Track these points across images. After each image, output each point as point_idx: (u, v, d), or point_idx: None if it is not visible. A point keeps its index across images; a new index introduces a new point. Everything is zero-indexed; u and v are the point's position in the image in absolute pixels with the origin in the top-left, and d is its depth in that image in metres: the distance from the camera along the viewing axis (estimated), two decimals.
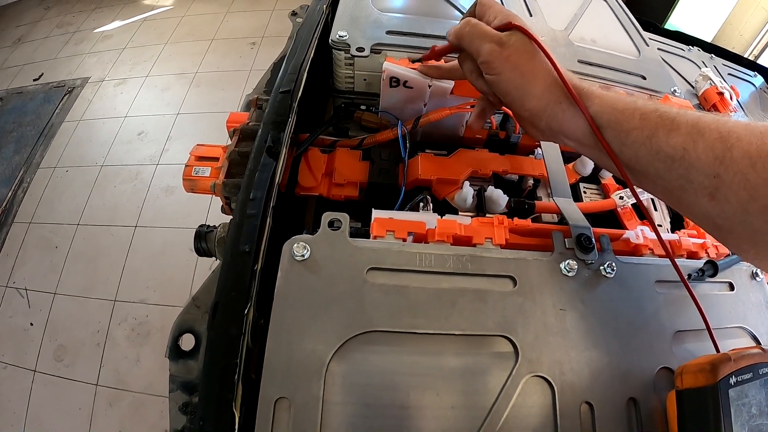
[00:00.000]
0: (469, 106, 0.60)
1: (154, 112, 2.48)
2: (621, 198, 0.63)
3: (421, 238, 0.45)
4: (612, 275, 0.47)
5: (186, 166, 0.66)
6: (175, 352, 0.51)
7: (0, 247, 2.08)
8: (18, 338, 1.82)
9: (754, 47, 2.57)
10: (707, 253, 0.57)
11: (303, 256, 0.40)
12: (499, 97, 0.46)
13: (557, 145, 0.58)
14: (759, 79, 1.12)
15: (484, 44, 0.43)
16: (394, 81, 0.58)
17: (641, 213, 0.64)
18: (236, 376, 0.37)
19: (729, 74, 1.09)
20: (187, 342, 0.51)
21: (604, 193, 0.67)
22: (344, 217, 0.42)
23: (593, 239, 0.48)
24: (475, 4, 0.48)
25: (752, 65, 1.17)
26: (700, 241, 0.58)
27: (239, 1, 3.19)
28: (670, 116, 0.37)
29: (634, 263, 0.49)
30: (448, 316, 0.39)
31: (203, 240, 0.58)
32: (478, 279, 0.41)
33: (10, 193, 2.26)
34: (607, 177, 0.67)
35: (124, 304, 1.83)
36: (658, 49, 0.95)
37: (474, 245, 0.45)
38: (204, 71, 2.64)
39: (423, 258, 0.41)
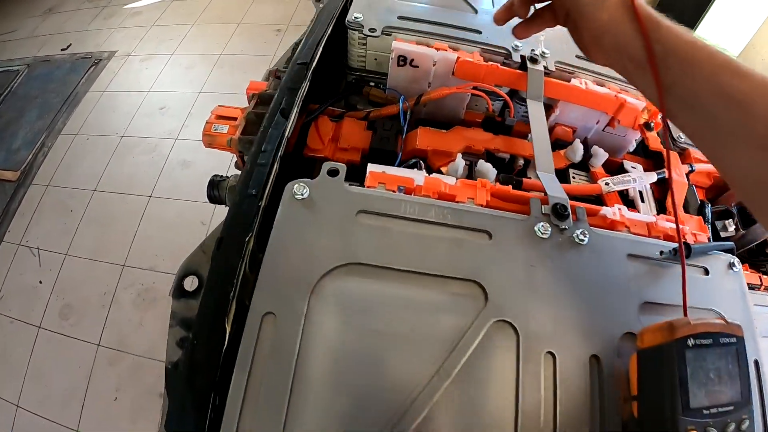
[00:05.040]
0: (469, 88, 0.64)
1: (177, 89, 2.55)
2: (606, 184, 0.65)
3: (409, 192, 0.50)
4: (585, 242, 0.49)
5: (207, 123, 0.73)
6: (179, 291, 0.56)
7: (16, 206, 2.17)
8: (26, 295, 1.89)
9: None
10: (685, 238, 0.58)
11: (302, 195, 0.45)
12: (570, 6, 0.45)
13: (545, 124, 0.61)
14: None
15: None
16: (402, 59, 0.64)
17: (628, 202, 0.66)
18: (232, 295, 0.43)
19: None
20: (191, 284, 0.56)
21: (593, 180, 0.69)
22: (342, 167, 0.47)
23: (569, 208, 0.51)
24: None
25: None
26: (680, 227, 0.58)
27: None
28: (736, 63, 0.37)
29: (609, 235, 0.52)
30: (425, 258, 0.43)
31: (216, 188, 0.63)
32: (457, 230, 0.46)
33: (30, 156, 2.35)
34: (597, 165, 0.70)
35: (133, 270, 1.89)
36: None
37: (456, 203, 0.50)
38: (228, 53, 2.71)
39: (407, 206, 0.46)
